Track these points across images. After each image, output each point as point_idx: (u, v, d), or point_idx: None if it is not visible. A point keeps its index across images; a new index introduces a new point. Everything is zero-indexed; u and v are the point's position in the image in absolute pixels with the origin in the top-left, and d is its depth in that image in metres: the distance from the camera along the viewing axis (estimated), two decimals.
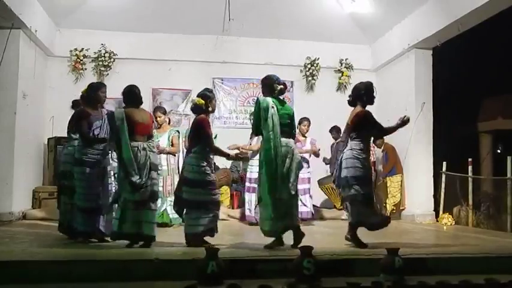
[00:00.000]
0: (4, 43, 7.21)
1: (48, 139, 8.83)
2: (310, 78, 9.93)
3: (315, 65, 9.89)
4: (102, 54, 9.28)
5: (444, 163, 8.38)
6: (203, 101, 4.99)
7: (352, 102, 5.19)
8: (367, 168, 4.98)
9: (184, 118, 9.47)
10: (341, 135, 5.44)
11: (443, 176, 8.25)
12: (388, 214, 8.24)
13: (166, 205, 6.62)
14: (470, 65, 10.59)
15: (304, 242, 4.39)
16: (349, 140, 5.07)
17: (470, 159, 8.07)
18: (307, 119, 7.70)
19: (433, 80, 8.59)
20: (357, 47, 9.99)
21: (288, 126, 4.88)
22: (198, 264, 3.61)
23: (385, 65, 9.65)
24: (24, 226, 6.77)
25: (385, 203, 8.50)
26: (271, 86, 4.93)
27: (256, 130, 4.91)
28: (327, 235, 5.51)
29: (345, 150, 5.04)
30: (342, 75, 9.99)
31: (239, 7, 8.27)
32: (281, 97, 4.99)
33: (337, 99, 9.62)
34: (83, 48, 9.24)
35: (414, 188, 8.33)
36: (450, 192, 8.18)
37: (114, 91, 5.82)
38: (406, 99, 8.55)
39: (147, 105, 8.32)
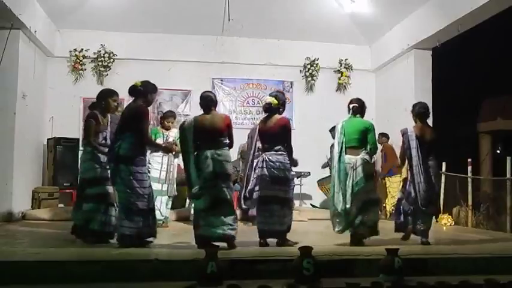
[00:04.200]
0: (4, 43, 7.22)
1: (48, 139, 8.84)
2: (309, 79, 9.93)
3: (314, 65, 9.89)
4: (102, 55, 9.29)
5: (444, 163, 8.37)
6: (277, 101, 5.01)
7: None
8: None
9: (183, 118, 9.44)
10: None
11: (443, 177, 8.24)
12: (388, 215, 8.25)
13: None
14: (470, 65, 10.60)
15: (304, 242, 4.38)
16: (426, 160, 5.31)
17: (469, 160, 8.06)
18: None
19: (433, 80, 8.59)
20: (356, 48, 9.99)
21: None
22: (198, 264, 3.61)
23: (385, 65, 9.66)
24: (24, 226, 6.76)
25: (385, 204, 8.49)
26: None
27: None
28: (327, 235, 5.50)
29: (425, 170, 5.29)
30: (342, 76, 10.00)
31: (239, 7, 8.26)
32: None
33: (336, 100, 9.61)
34: (82, 49, 9.24)
35: None
36: (450, 193, 8.16)
37: None
38: (406, 99, 8.53)
39: None
